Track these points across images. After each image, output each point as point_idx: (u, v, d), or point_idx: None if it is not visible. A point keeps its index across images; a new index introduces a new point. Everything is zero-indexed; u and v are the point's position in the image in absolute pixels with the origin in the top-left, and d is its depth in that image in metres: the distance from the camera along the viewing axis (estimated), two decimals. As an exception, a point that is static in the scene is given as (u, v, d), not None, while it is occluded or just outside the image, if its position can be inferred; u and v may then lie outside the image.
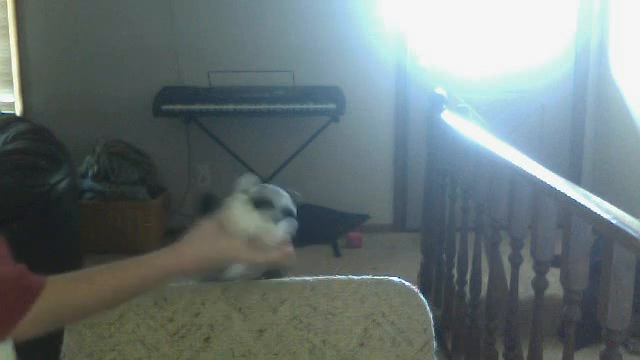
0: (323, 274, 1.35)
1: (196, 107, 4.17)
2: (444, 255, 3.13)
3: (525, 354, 2.16)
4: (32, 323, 1.01)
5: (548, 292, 2.04)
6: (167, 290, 1.28)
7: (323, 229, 4.38)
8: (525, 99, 4.64)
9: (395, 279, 1.33)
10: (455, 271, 2.93)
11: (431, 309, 1.32)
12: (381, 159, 4.70)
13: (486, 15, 4.55)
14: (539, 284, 2.02)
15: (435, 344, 1.32)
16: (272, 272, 1.31)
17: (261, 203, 1.23)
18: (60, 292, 1.05)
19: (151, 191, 4.32)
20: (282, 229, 1.21)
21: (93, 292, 1.09)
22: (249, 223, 1.17)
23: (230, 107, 4.14)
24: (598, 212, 1.62)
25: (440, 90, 3.26)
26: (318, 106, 4.18)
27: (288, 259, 1.21)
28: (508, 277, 2.31)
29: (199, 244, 1.16)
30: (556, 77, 4.63)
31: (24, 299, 1.01)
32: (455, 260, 2.94)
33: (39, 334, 1.04)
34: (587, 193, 1.76)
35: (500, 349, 2.42)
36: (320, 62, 4.52)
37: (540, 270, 2.01)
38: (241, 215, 1.17)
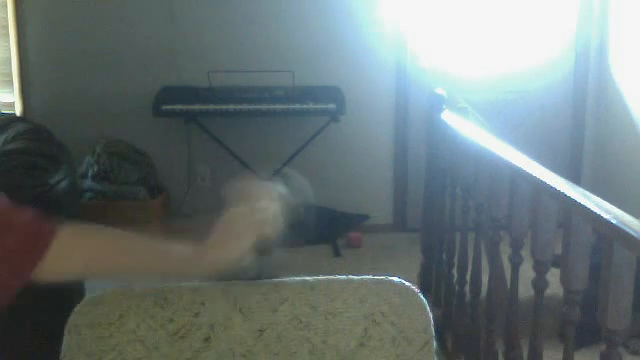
0: (323, 274, 1.35)
1: (196, 107, 4.17)
2: (444, 255, 3.13)
3: (525, 354, 2.16)
4: (50, 263, 1.04)
5: (548, 292, 2.04)
6: (167, 290, 1.28)
7: (323, 229, 4.38)
8: (525, 99, 4.64)
9: (395, 279, 1.33)
10: (455, 271, 2.93)
11: (431, 309, 1.32)
12: (381, 159, 4.70)
13: (486, 15, 4.56)
14: (539, 284, 2.02)
15: (435, 344, 1.32)
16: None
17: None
18: (78, 236, 1.08)
19: (151, 191, 4.32)
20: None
21: (109, 251, 1.12)
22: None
23: (230, 107, 4.14)
24: (598, 212, 1.62)
25: (440, 90, 3.26)
26: (318, 106, 4.18)
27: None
28: (508, 277, 2.31)
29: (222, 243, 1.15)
30: (556, 77, 4.63)
31: (38, 243, 1.03)
32: (455, 260, 2.94)
33: (55, 279, 1.07)
34: (587, 193, 1.76)
35: (500, 349, 2.42)
36: (320, 62, 4.52)
37: (540, 270, 2.01)
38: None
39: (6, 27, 4.44)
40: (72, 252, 1.07)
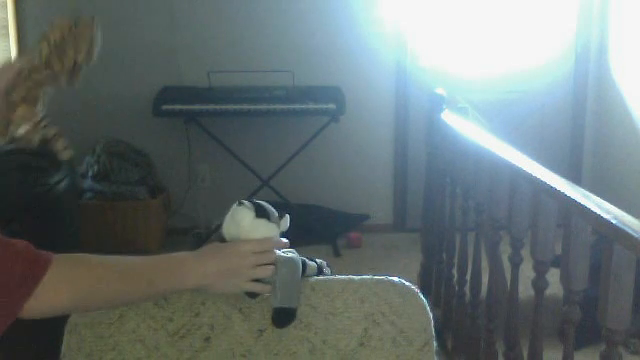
0: (323, 274, 1.35)
1: (196, 107, 4.17)
2: (444, 255, 3.13)
3: (525, 354, 2.16)
4: (39, 299, 1.01)
5: (548, 292, 2.04)
6: (167, 290, 1.28)
7: (323, 229, 4.38)
8: (525, 99, 4.64)
9: (395, 279, 1.33)
10: (455, 271, 2.93)
11: (431, 309, 1.32)
12: (381, 159, 4.70)
13: (486, 15, 4.55)
14: (539, 284, 2.02)
15: (435, 344, 1.32)
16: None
17: (261, 212, 1.25)
18: (67, 272, 1.06)
19: (151, 191, 4.32)
20: (286, 225, 1.27)
21: (99, 284, 1.10)
22: (261, 230, 1.22)
23: (230, 107, 4.14)
24: (598, 212, 1.62)
25: (440, 90, 3.26)
26: (318, 106, 4.18)
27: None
28: (508, 277, 2.31)
29: (205, 259, 1.18)
30: (556, 77, 4.63)
31: (34, 271, 1.00)
32: (455, 260, 2.94)
33: (42, 316, 1.04)
34: (587, 193, 1.76)
35: (500, 349, 2.42)
36: (320, 62, 4.52)
37: (540, 270, 2.01)
38: (251, 223, 1.22)
39: (6, 27, 4.43)
40: (60, 290, 1.05)
